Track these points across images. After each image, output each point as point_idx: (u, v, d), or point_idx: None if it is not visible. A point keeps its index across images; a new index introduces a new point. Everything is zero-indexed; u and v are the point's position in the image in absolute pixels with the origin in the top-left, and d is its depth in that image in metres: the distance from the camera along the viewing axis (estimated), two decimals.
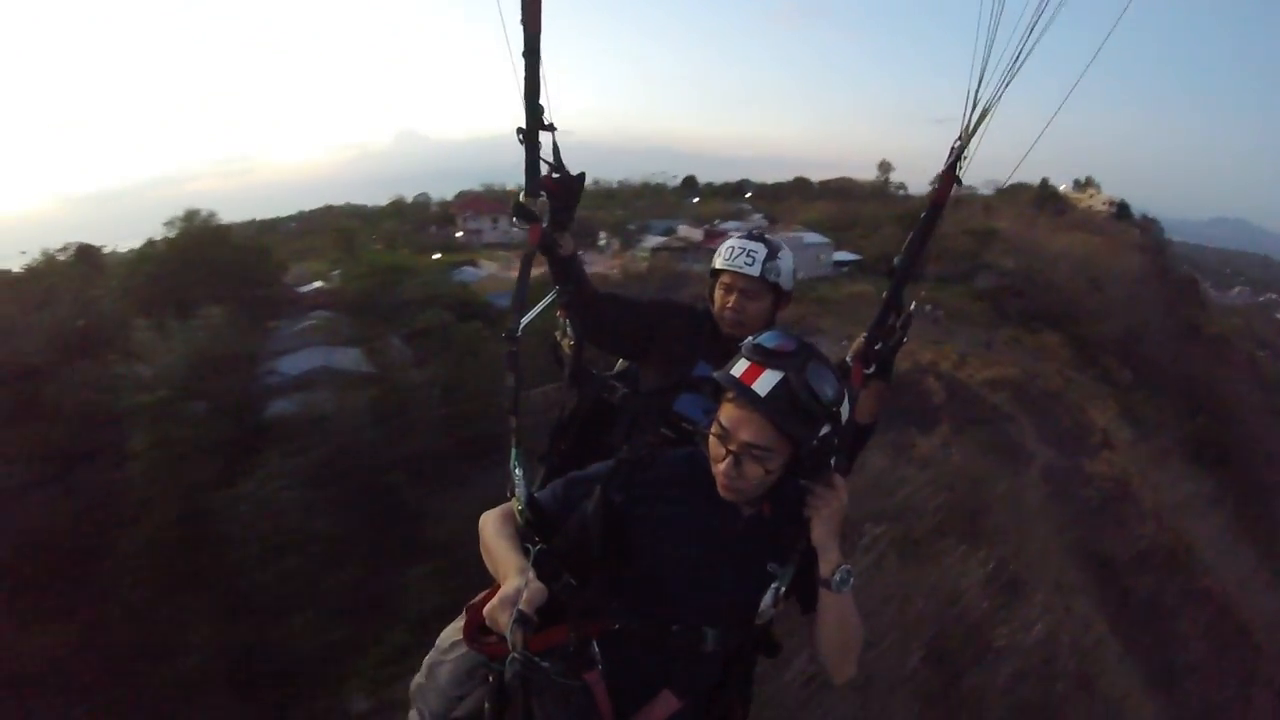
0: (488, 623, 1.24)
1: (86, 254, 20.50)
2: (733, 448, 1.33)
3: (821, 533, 1.39)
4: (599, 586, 1.37)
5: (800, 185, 68.13)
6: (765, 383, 1.30)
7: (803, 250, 26.81)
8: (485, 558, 1.42)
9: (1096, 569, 11.85)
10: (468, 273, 26.58)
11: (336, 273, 20.54)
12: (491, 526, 1.45)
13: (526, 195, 1.79)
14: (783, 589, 1.43)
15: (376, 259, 19.44)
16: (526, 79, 1.66)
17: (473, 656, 1.55)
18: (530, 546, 1.35)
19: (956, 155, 1.62)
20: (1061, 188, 57.85)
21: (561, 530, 1.42)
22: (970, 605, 5.84)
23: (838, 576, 1.39)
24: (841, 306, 22.54)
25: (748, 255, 2.12)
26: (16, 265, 19.04)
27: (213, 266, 15.72)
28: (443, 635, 1.73)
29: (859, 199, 57.36)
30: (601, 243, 35.92)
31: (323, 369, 13.54)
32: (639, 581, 1.40)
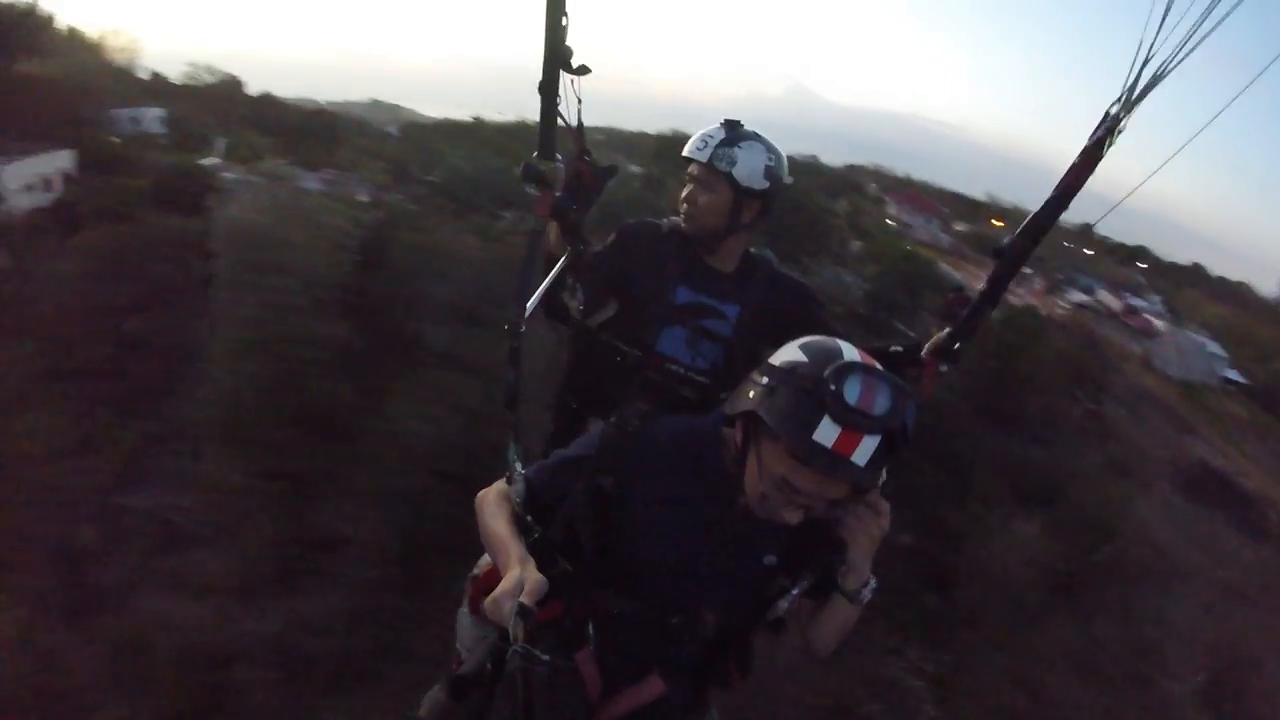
0: (488, 615, 1.20)
1: None
2: (804, 502, 1.23)
3: (857, 554, 1.35)
4: (593, 574, 1.35)
5: (1196, 274, 66.18)
6: (865, 452, 1.13)
7: (1203, 356, 31.26)
8: (483, 540, 1.39)
9: None
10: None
11: None
12: (489, 508, 1.41)
13: (540, 156, 1.56)
14: (799, 594, 1.41)
15: None
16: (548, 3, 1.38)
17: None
18: (526, 535, 1.33)
19: (1109, 127, 1.30)
20: None
21: (555, 516, 1.38)
22: None
23: (865, 593, 1.37)
24: (1222, 422, 27.48)
25: (702, 140, 1.91)
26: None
27: None
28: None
29: (1254, 311, 56.19)
30: (1027, 271, 39.33)
31: None
32: (633, 569, 1.36)
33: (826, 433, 1.12)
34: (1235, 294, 61.49)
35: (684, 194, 1.96)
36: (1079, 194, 1.42)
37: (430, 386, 7.37)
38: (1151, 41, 1.19)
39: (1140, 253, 66.54)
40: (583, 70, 1.48)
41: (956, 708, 7.82)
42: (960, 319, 1.61)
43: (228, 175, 19.69)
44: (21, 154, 20.20)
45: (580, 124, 1.62)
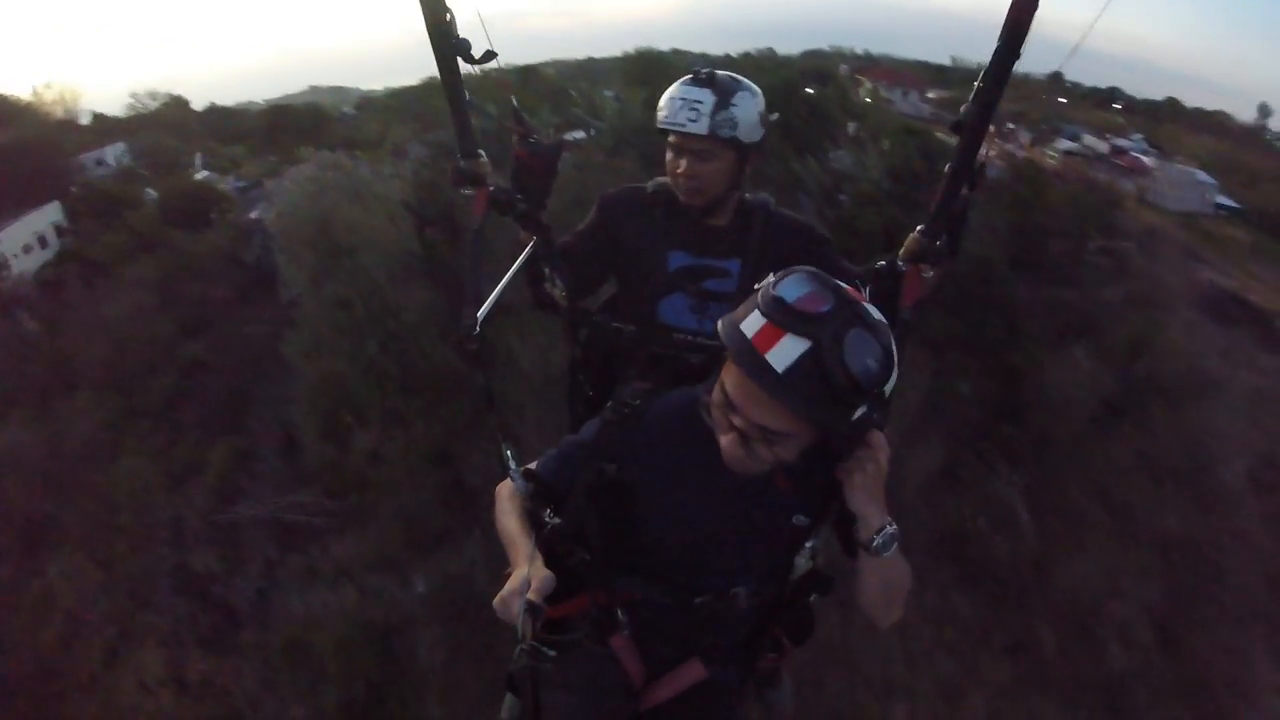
0: (498, 613, 1.16)
1: None
2: (738, 423, 1.13)
3: (860, 499, 1.23)
4: (610, 560, 1.31)
5: (1172, 107, 66.04)
6: (785, 354, 1.03)
7: (1194, 187, 31.52)
8: (499, 534, 1.37)
9: None
10: None
11: None
12: (503, 505, 1.39)
13: (463, 157, 1.52)
14: (817, 549, 1.34)
15: None
16: None
17: None
18: (539, 528, 1.31)
19: None
20: None
21: (566, 505, 1.34)
22: None
23: (879, 541, 1.24)
24: (1223, 246, 28.43)
25: (690, 109, 1.75)
26: None
27: None
28: None
29: (1234, 139, 56.45)
30: (1010, 127, 39.42)
31: None
32: (652, 552, 1.32)
33: (751, 323, 1.07)
34: (1214, 123, 61.51)
35: (680, 169, 1.83)
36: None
37: (528, 323, 7.64)
38: None
39: (1114, 94, 66.39)
40: (488, 56, 1.38)
41: (1044, 515, 8.77)
42: (932, 214, 1.47)
43: (232, 184, 19.42)
44: (8, 218, 20.33)
45: (516, 109, 1.54)
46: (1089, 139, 38.59)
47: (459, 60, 1.37)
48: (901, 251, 1.54)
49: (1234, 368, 15.06)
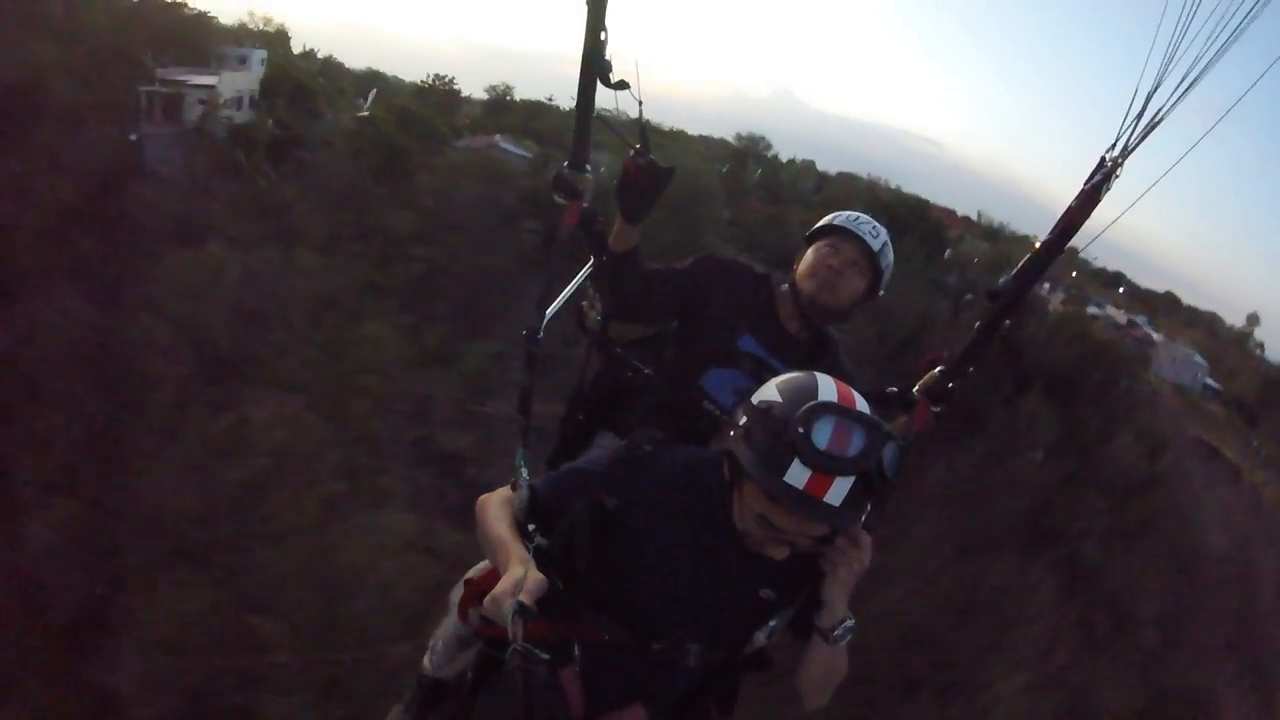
0: (488, 613, 1.22)
1: None
2: (787, 540, 1.24)
3: (835, 590, 1.34)
4: (585, 594, 1.33)
5: (1170, 302, 73.08)
6: (838, 493, 1.14)
7: (1189, 365, 37.55)
8: (481, 542, 1.41)
9: None
10: None
11: None
12: (491, 511, 1.42)
13: (570, 167, 1.59)
14: (779, 628, 1.40)
15: None
16: (589, 11, 1.41)
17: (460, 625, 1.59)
18: (530, 543, 1.32)
19: (1108, 172, 1.35)
20: None
21: (555, 527, 1.37)
22: None
23: (839, 631, 1.35)
24: (1205, 416, 33.99)
25: (873, 227, 1.90)
26: None
27: None
28: (449, 600, 1.76)
29: (1223, 339, 63.23)
30: (1046, 286, 43.69)
31: None
32: (624, 592, 1.35)
33: (797, 475, 1.13)
34: (1205, 322, 67.45)
35: (835, 263, 1.88)
36: (1053, 211, 1.43)
37: None
38: (1149, 92, 1.22)
39: (1119, 279, 72.28)
40: (621, 85, 1.46)
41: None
42: (955, 361, 1.58)
43: None
44: (197, 68, 21.63)
45: (643, 125, 1.57)
46: (1110, 309, 44.12)
47: (597, 79, 1.46)
48: (919, 385, 1.61)
49: (1211, 489, 20.57)
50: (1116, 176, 1.34)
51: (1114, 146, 1.32)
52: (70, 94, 18.03)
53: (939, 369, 1.60)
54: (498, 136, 25.41)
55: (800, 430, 1.13)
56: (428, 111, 24.21)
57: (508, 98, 37.16)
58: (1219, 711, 13.04)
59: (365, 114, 23.50)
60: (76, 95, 18.03)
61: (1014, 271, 1.50)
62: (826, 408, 1.16)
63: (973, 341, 1.56)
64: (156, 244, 14.79)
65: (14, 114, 16.85)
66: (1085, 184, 1.36)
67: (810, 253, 1.93)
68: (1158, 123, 1.27)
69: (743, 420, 1.23)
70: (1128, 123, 1.27)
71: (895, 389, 1.70)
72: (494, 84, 38.27)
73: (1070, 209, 1.39)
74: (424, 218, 16.84)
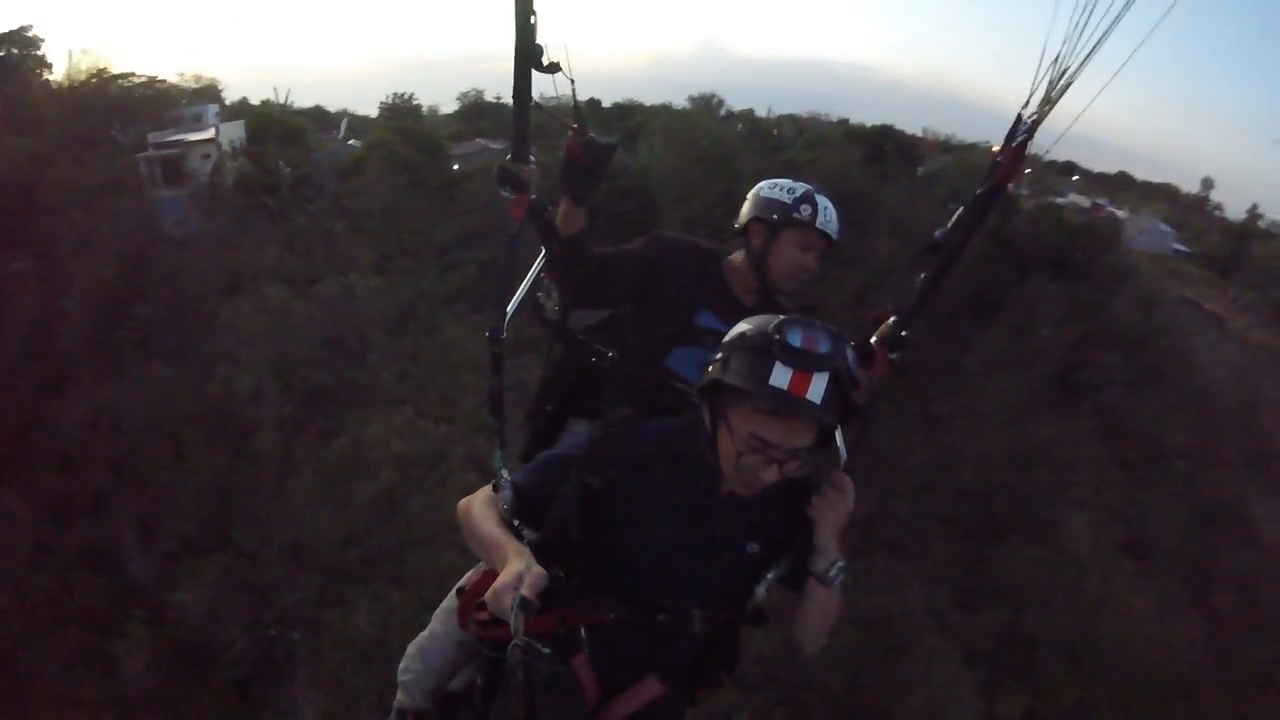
0: (490, 607, 1.22)
1: None
2: (778, 456, 1.30)
3: (825, 534, 1.43)
4: (585, 577, 1.37)
5: (1124, 180, 75.11)
6: (818, 389, 1.25)
7: (1157, 234, 39.28)
8: (473, 544, 1.43)
9: None
10: None
11: None
12: (477, 513, 1.44)
13: (513, 158, 1.56)
14: (775, 580, 1.46)
15: None
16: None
17: (461, 633, 1.61)
18: (522, 539, 1.34)
19: (1030, 130, 1.38)
20: None
21: (544, 519, 1.42)
22: None
23: (833, 573, 1.43)
24: (1180, 276, 36.17)
25: (831, 215, 1.95)
26: None
27: None
28: (434, 617, 1.81)
29: (1182, 206, 65.51)
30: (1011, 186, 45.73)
31: None
32: (622, 567, 1.39)
33: (780, 376, 1.24)
34: (1163, 193, 69.65)
35: (809, 262, 1.96)
36: (1004, 118, 1.41)
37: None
38: (1058, 49, 1.25)
39: (1071, 167, 74.18)
40: (553, 68, 1.44)
41: None
42: (906, 310, 1.63)
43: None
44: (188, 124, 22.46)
45: (578, 105, 1.56)
46: (1075, 196, 46.28)
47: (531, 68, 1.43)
48: (875, 336, 1.65)
49: (1204, 335, 22.48)
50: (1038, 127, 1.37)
51: (1027, 104, 1.35)
52: (71, 178, 18.58)
53: (892, 319, 1.64)
54: (479, 140, 26.30)
55: (776, 337, 1.27)
56: (421, 127, 25.16)
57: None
58: (1254, 517, 14.61)
59: (354, 143, 24.12)
60: (78, 177, 18.70)
61: (950, 224, 1.53)
62: (792, 320, 1.31)
63: (921, 292, 1.61)
64: (204, 300, 15.65)
65: (14, 210, 17.47)
66: (1007, 143, 1.39)
67: (785, 250, 1.94)
68: (1071, 81, 1.30)
69: (719, 355, 1.33)
70: (1039, 78, 1.31)
71: (853, 341, 1.70)
72: (464, 90, 39.43)
73: (1000, 164, 1.42)
74: (462, 224, 17.99)
